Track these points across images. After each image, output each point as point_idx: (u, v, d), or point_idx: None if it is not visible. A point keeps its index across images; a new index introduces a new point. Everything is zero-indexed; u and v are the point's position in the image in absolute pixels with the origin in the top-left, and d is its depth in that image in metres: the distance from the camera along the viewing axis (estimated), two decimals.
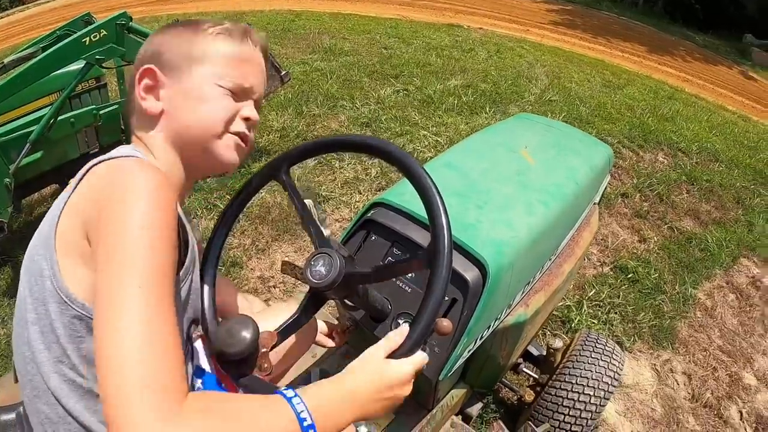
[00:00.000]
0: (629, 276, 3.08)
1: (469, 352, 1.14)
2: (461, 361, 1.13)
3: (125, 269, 0.61)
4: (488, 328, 1.19)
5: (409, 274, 1.15)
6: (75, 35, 2.67)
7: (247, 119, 0.92)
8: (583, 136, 1.93)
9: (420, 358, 0.78)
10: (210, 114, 0.88)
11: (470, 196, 1.33)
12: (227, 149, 0.91)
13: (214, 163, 0.92)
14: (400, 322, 1.09)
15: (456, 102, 5.24)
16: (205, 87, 0.88)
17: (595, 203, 1.85)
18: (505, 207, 1.31)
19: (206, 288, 0.93)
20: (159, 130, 0.89)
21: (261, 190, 1.08)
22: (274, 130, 4.24)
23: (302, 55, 6.44)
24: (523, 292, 1.33)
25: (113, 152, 0.81)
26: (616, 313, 2.77)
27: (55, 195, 3.53)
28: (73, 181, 0.77)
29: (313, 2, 11.14)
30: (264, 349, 0.83)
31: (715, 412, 2.37)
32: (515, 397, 2.05)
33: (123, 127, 3.39)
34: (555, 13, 12.84)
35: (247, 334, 0.78)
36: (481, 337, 1.17)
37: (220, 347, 0.80)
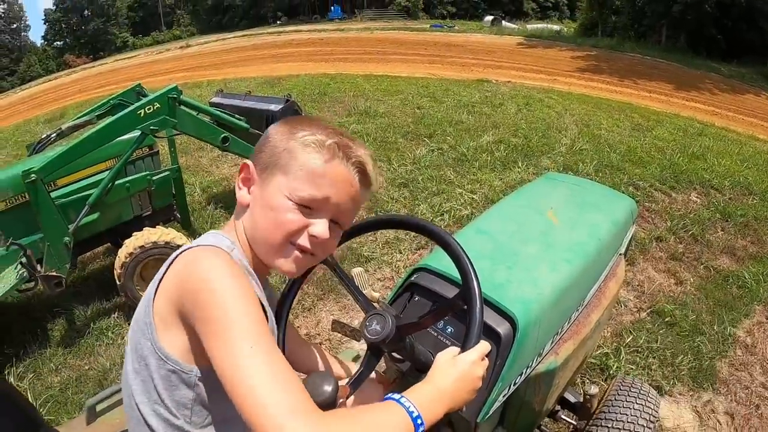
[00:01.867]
0: (666, 320, 3.13)
1: (504, 396, 1.30)
2: (497, 404, 1.28)
3: (235, 337, 0.76)
4: (521, 374, 1.34)
5: (449, 330, 1.33)
6: (131, 108, 2.89)
7: (313, 237, 0.95)
8: (606, 192, 2.08)
9: (482, 345, 0.97)
10: (272, 224, 0.93)
11: (500, 258, 1.51)
12: (285, 260, 0.97)
13: (274, 267, 0.99)
14: None
15: (489, 158, 5.40)
16: (277, 197, 0.93)
17: (620, 254, 1.99)
18: (531, 267, 1.48)
19: None
20: (244, 220, 0.99)
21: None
22: None
23: (339, 118, 6.77)
24: (552, 342, 1.49)
25: (200, 239, 0.96)
26: (654, 357, 2.82)
27: (108, 253, 3.78)
28: (165, 265, 0.92)
29: (345, 64, 11.68)
30: (341, 400, 1.01)
31: None
32: None
33: (174, 191, 3.65)
34: (580, 59, 13.07)
35: (328, 388, 0.93)
36: (515, 384, 1.33)
37: None
